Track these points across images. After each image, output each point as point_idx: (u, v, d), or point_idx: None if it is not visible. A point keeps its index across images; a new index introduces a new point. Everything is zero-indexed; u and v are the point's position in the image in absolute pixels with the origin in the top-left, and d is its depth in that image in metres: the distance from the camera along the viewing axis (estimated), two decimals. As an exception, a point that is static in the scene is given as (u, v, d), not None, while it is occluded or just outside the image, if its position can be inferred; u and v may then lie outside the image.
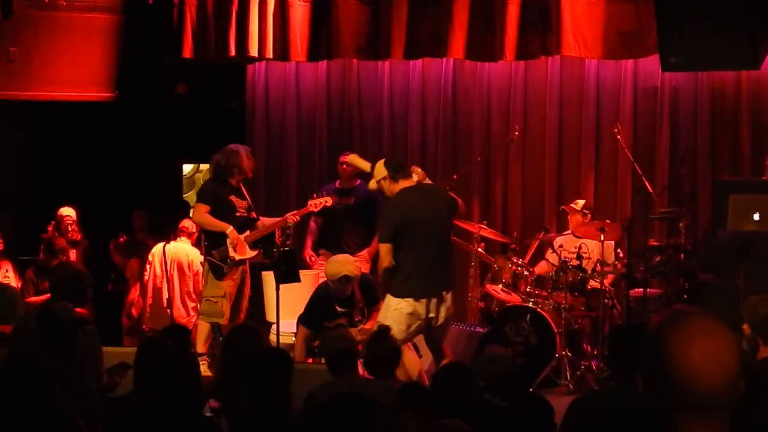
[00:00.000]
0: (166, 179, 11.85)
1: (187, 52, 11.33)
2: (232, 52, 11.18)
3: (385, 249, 7.91)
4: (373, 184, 8.24)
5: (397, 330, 7.63)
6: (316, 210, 9.71)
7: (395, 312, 7.85)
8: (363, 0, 10.84)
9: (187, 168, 12.08)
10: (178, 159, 12.07)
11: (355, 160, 9.39)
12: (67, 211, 10.70)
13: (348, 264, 8.56)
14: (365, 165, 8.90)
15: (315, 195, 9.90)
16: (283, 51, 11.07)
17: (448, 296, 8.04)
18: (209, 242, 9.37)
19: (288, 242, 9.12)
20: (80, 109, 11.54)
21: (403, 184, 8.06)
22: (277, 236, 9.46)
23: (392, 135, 11.53)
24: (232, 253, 9.24)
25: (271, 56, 11.15)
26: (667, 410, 2.55)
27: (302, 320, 8.82)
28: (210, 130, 11.34)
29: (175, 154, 11.92)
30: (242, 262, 9.38)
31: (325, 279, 8.70)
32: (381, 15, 10.76)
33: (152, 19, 11.47)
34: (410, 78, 11.46)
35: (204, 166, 9.95)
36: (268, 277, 9.50)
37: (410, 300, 7.85)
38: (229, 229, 9.23)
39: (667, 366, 2.54)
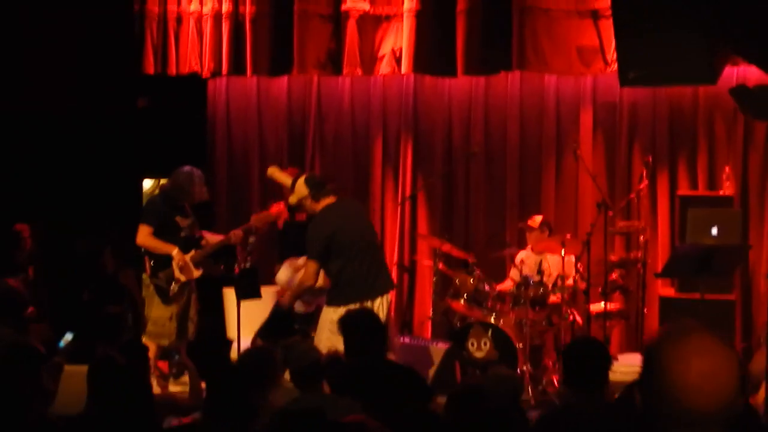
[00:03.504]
0: (127, 195, 11.78)
1: (149, 67, 11.32)
2: (193, 67, 11.18)
3: (313, 267, 8.12)
4: (293, 200, 8.41)
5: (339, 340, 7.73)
6: (258, 225, 9.64)
7: (334, 323, 7.91)
8: (324, 15, 10.85)
9: (147, 184, 12.01)
10: (140, 174, 12.00)
11: (275, 173, 9.40)
12: (23, 227, 10.61)
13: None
14: (287, 180, 8.99)
15: (258, 210, 9.84)
16: (243, 65, 11.07)
17: (386, 300, 8.14)
18: (154, 264, 9.25)
19: (249, 258, 9.10)
20: (39, 121, 11.45)
21: (324, 201, 8.27)
22: (238, 252, 9.43)
23: (354, 149, 11.55)
24: (178, 274, 9.16)
25: (232, 71, 11.16)
26: (662, 427, 2.53)
27: (261, 334, 8.83)
28: (171, 144, 11.29)
29: (137, 169, 11.85)
30: (188, 282, 9.34)
31: None
32: (341, 30, 10.78)
33: (114, 33, 11.43)
34: (371, 93, 11.48)
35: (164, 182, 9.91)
36: (229, 294, 9.47)
37: (350, 306, 7.90)
38: (175, 251, 9.14)
39: (664, 383, 2.52)
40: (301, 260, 8.54)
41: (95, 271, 10.97)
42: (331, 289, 8.20)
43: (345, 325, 6.59)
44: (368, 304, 8.03)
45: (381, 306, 8.11)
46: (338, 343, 7.69)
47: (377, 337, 6.49)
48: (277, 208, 9.91)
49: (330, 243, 8.08)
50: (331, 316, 7.99)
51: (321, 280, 8.44)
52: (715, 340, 2.56)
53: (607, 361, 5.62)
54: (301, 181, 8.36)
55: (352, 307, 7.91)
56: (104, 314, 7.74)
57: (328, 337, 7.79)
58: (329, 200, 8.28)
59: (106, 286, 10.81)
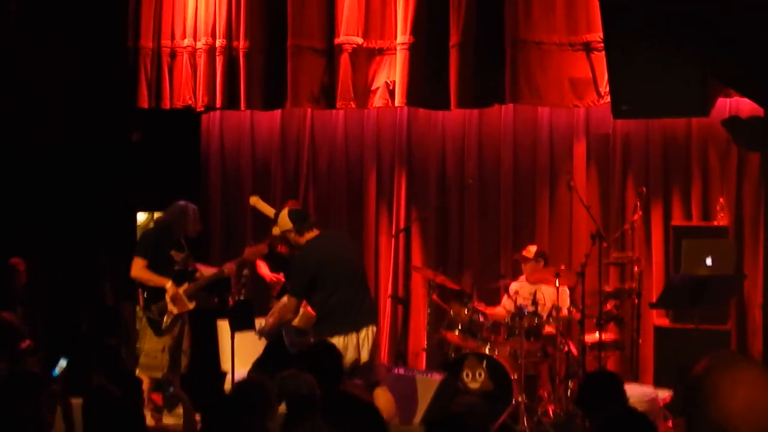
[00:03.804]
0: (122, 228, 11.76)
1: (143, 101, 11.36)
2: (187, 101, 11.21)
3: (293, 303, 8.21)
4: (276, 231, 8.53)
5: None
6: (252, 259, 9.67)
7: None
8: (317, 49, 10.88)
9: (141, 217, 12.01)
10: (134, 207, 11.99)
11: (258, 203, 9.49)
12: (18, 260, 10.60)
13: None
14: (269, 211, 9.09)
15: (252, 242, 9.88)
16: (237, 100, 11.10)
17: (371, 332, 8.14)
18: (148, 296, 9.32)
19: (243, 291, 9.11)
20: (33, 154, 11.44)
21: (308, 235, 8.38)
22: (232, 284, 9.45)
23: (348, 182, 11.58)
24: (171, 307, 9.20)
25: (226, 105, 11.19)
26: None
27: (256, 368, 8.84)
28: (165, 178, 11.30)
29: (132, 202, 11.85)
30: (180, 315, 9.33)
31: None
32: (335, 64, 10.81)
33: (108, 67, 11.46)
34: (365, 125, 11.52)
35: (158, 215, 9.96)
36: (223, 326, 9.47)
37: (333, 339, 7.94)
38: (169, 284, 9.20)
39: (710, 410, 2.53)
40: (283, 300, 8.59)
41: (94, 302, 10.98)
42: (317, 321, 8.22)
43: (302, 358, 6.57)
44: (353, 335, 8.07)
45: (366, 337, 8.15)
46: None
47: (333, 371, 6.47)
48: (276, 277, 10.02)
49: (313, 278, 8.15)
50: None
51: (305, 320, 8.48)
52: (760, 371, 2.59)
53: (623, 394, 5.64)
54: (284, 214, 8.46)
55: (337, 338, 7.94)
56: (101, 345, 7.73)
57: None
58: (312, 234, 8.35)
59: (104, 318, 10.79)
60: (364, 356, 8.13)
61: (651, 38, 8.20)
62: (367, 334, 8.16)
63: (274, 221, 8.67)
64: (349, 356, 8.04)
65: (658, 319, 10.20)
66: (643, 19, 7.95)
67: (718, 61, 8.27)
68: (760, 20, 7.30)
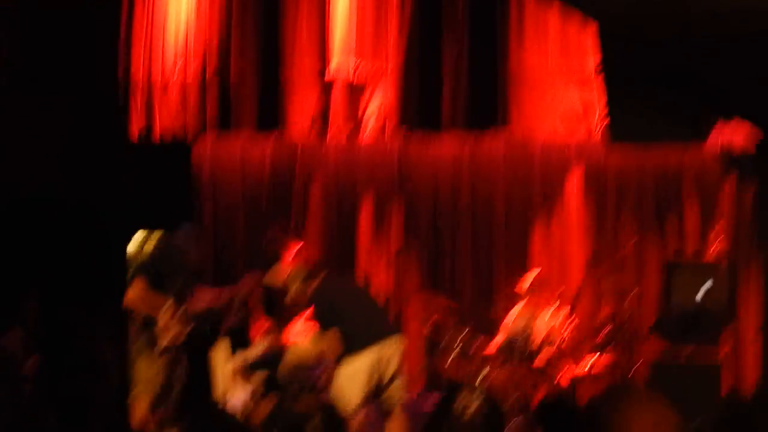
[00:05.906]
0: (113, 262, 11.69)
1: (134, 133, 11.34)
2: (178, 133, 11.21)
3: (332, 335, 8.11)
4: (289, 298, 8.91)
5: (355, 389, 7.75)
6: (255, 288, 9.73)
7: (348, 370, 7.94)
8: (309, 79, 10.89)
9: (131, 248, 11.92)
10: (126, 242, 11.92)
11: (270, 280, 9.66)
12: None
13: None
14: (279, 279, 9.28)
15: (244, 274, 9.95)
16: (228, 131, 11.10)
17: (396, 349, 8.16)
18: (142, 321, 9.27)
19: (238, 315, 9.12)
20: (22, 196, 11.40)
21: (319, 277, 8.65)
22: (227, 310, 9.46)
23: (340, 213, 11.58)
24: (165, 332, 9.20)
25: (217, 136, 11.20)
26: None
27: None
28: (155, 209, 11.26)
29: (123, 236, 11.78)
30: (175, 340, 9.31)
31: None
32: (327, 94, 10.82)
33: (97, 99, 11.45)
34: (357, 155, 11.53)
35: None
36: (217, 356, 9.46)
37: (366, 356, 8.06)
38: (164, 308, 9.19)
39: None
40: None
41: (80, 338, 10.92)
42: (350, 343, 8.23)
43: None
44: (382, 352, 8.08)
45: (392, 356, 8.16)
46: (356, 392, 7.77)
47: None
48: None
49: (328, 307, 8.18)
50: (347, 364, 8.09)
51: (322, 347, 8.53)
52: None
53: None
54: (293, 272, 8.59)
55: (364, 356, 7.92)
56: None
57: (347, 385, 8.06)
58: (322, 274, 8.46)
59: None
60: (388, 375, 8.16)
61: (646, 66, 8.28)
62: (393, 352, 8.18)
63: (285, 284, 8.86)
64: (382, 370, 8.08)
65: (650, 352, 10.18)
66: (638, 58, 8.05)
67: (713, 88, 8.36)
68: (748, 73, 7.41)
